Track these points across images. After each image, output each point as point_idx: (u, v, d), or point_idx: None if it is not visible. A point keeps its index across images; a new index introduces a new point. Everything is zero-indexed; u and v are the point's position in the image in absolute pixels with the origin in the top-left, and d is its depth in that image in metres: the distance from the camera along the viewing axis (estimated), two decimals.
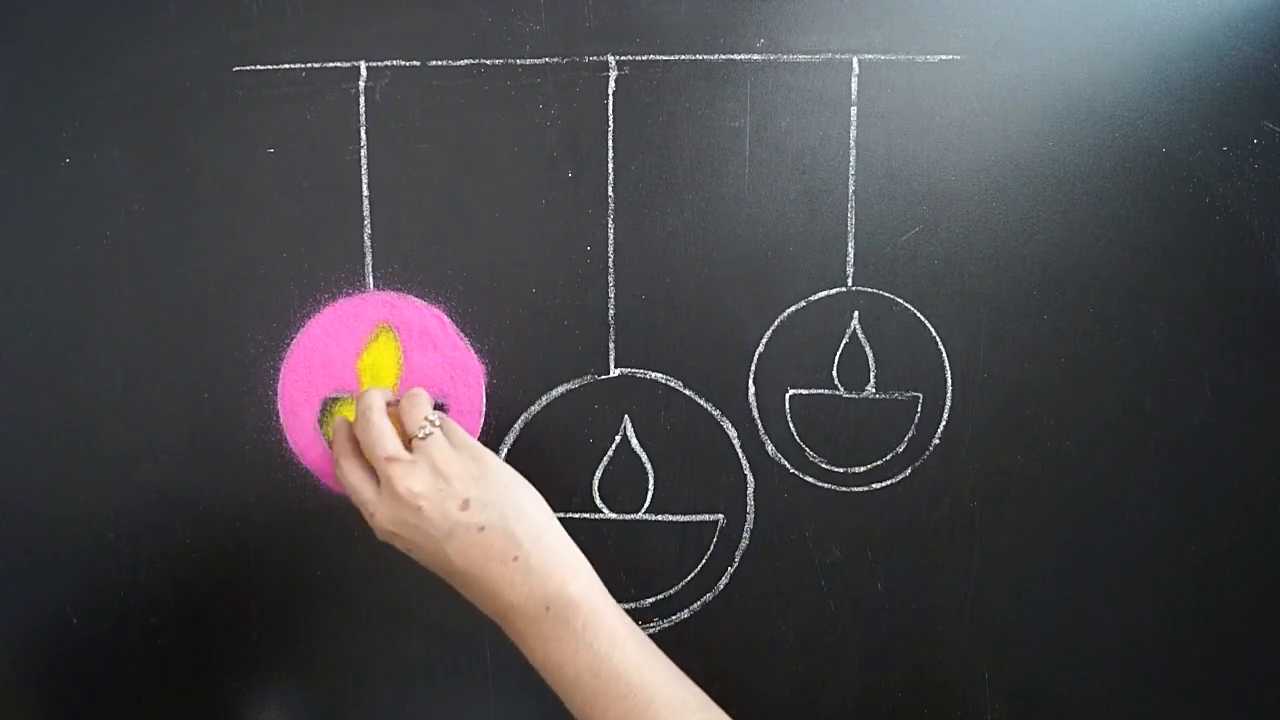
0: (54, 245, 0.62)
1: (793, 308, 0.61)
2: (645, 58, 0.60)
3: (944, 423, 0.61)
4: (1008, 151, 0.59)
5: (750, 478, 0.62)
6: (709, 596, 0.63)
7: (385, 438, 0.53)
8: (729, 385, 0.61)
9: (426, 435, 0.53)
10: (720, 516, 0.62)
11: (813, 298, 0.61)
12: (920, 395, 0.61)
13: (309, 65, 0.60)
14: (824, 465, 0.62)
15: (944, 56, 0.59)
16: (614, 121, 0.60)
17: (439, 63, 0.60)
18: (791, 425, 0.61)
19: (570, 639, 0.48)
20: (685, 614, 0.63)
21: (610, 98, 0.60)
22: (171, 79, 0.61)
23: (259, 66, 0.60)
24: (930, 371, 0.61)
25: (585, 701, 0.47)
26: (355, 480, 0.54)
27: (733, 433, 0.62)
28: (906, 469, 0.61)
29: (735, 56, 0.59)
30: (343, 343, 0.62)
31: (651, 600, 0.63)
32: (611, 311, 0.61)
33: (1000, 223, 0.60)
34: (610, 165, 0.60)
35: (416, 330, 0.62)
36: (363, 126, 0.61)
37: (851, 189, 0.60)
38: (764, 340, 0.61)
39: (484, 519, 0.50)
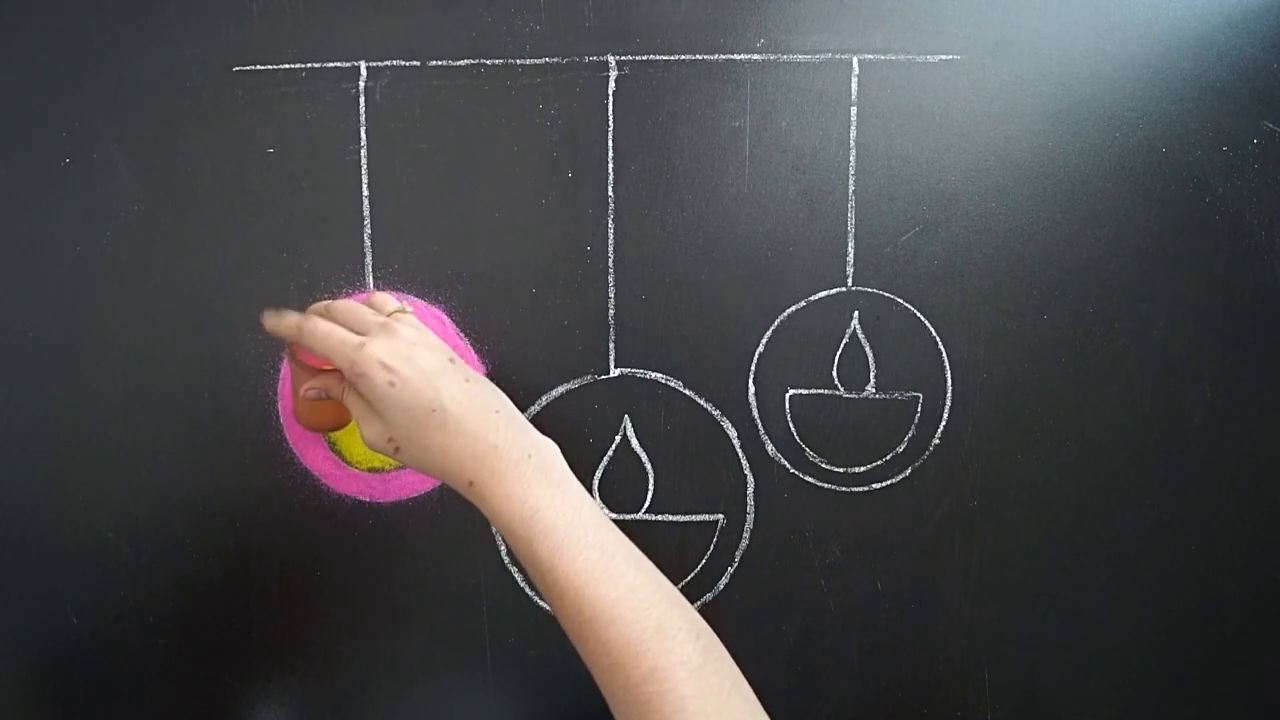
0: (54, 245, 0.62)
1: (793, 308, 0.61)
2: (645, 58, 0.60)
3: (944, 423, 0.61)
4: (1008, 151, 0.59)
5: (750, 478, 0.62)
6: (709, 596, 0.63)
7: (379, 305, 0.53)
8: (729, 385, 0.61)
9: (407, 313, 0.54)
10: (720, 516, 0.62)
11: (813, 298, 0.61)
12: (920, 395, 0.61)
13: (309, 65, 0.60)
14: (824, 465, 0.62)
15: (944, 56, 0.59)
16: (614, 121, 0.60)
17: (439, 63, 0.60)
18: (791, 425, 0.61)
19: (549, 486, 0.50)
20: None
21: (610, 98, 0.60)
22: (171, 79, 0.61)
23: (259, 66, 0.60)
24: (930, 371, 0.61)
25: (557, 548, 0.48)
26: (336, 331, 0.51)
27: (733, 433, 0.62)
28: (906, 469, 0.61)
29: (735, 56, 0.59)
30: None
31: None
32: (611, 311, 0.61)
33: (1000, 223, 0.60)
34: (610, 165, 0.60)
35: None
36: (363, 126, 0.61)
37: (851, 189, 0.60)
38: (764, 340, 0.61)
39: (469, 374, 0.52)
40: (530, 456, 0.50)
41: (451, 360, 0.52)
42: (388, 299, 0.55)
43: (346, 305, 0.53)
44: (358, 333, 0.51)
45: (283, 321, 0.52)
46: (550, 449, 0.52)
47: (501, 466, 0.50)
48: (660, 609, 0.47)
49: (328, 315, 0.53)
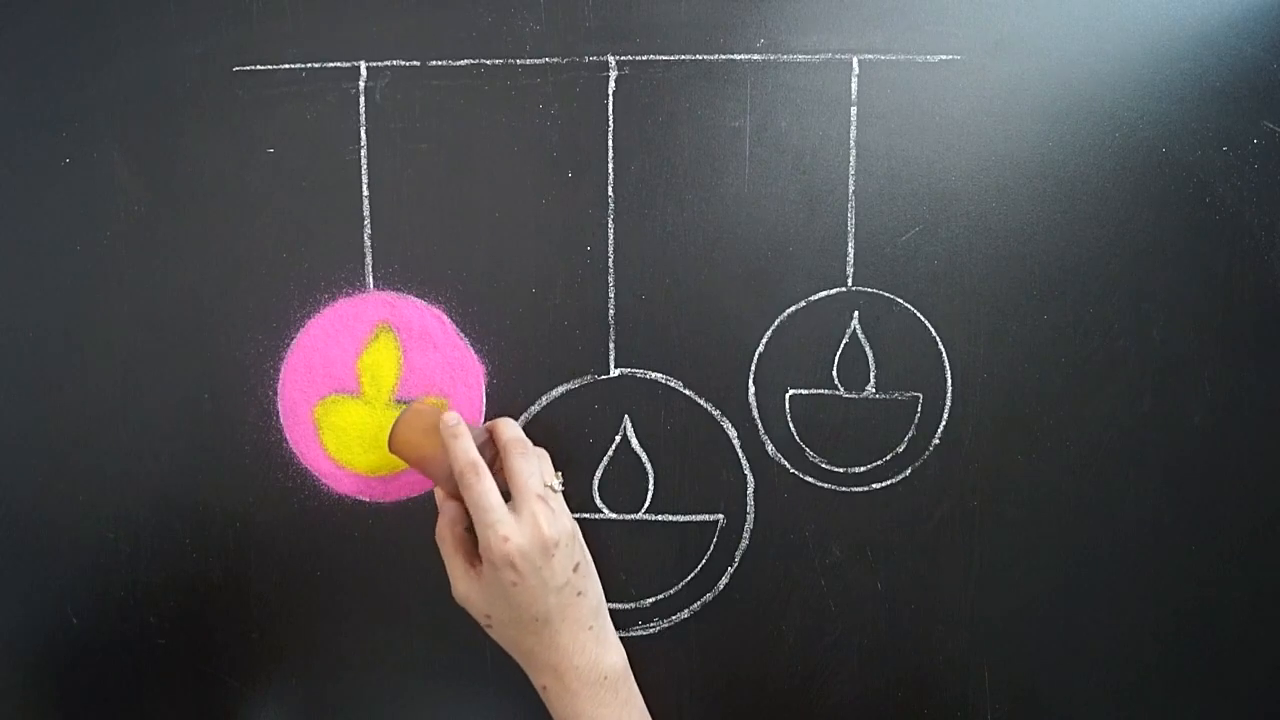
0: (54, 245, 0.62)
1: (793, 308, 0.61)
2: (645, 58, 0.60)
3: (944, 423, 0.61)
4: (1008, 151, 0.59)
5: (750, 478, 0.62)
6: (709, 596, 0.63)
7: (539, 476, 0.54)
8: (729, 385, 0.61)
9: (559, 490, 0.56)
10: (720, 516, 0.62)
11: (813, 298, 0.61)
12: (920, 395, 0.61)
13: (309, 65, 0.60)
14: (824, 465, 0.62)
15: (944, 56, 0.59)
16: (614, 121, 0.60)
17: (439, 63, 0.60)
18: (791, 425, 0.61)
19: (618, 705, 0.55)
20: (685, 614, 0.63)
21: (610, 98, 0.60)
22: (171, 79, 0.61)
23: (259, 66, 0.60)
24: (930, 371, 0.61)
25: None
26: (495, 500, 0.53)
27: (733, 433, 0.62)
28: (906, 469, 0.61)
29: (735, 56, 0.59)
30: (343, 343, 0.62)
31: (651, 600, 0.63)
32: (611, 311, 0.61)
33: (1000, 223, 0.60)
34: (610, 165, 0.60)
35: (416, 330, 0.62)
36: (363, 126, 0.61)
37: (851, 189, 0.60)
38: (764, 340, 0.61)
39: (584, 586, 0.55)
40: (605, 679, 0.55)
41: (576, 568, 0.54)
42: (545, 456, 0.57)
43: (525, 453, 0.54)
44: (506, 486, 0.54)
45: (457, 443, 0.54)
46: (622, 663, 0.56)
47: (577, 685, 0.54)
48: None
49: (509, 457, 0.54)
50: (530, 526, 0.52)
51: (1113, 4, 0.59)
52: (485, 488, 0.52)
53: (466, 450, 0.53)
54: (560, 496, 0.56)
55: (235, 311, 0.62)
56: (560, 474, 0.57)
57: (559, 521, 0.53)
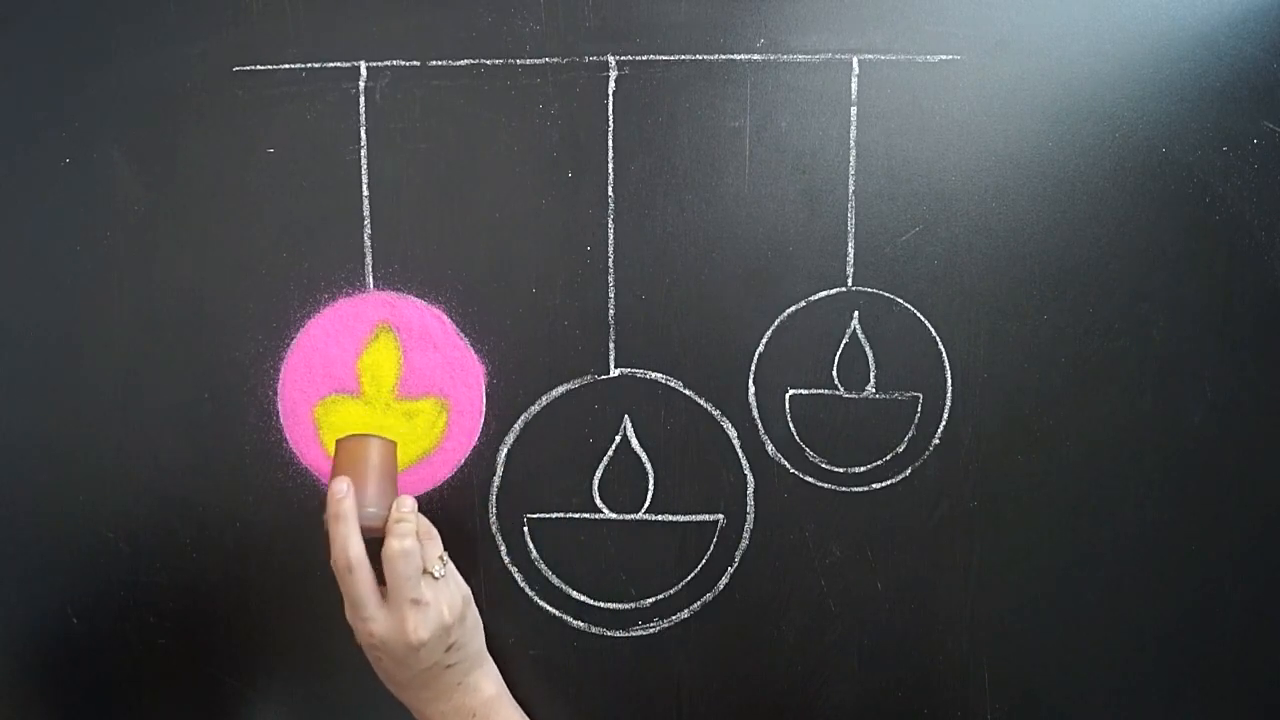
0: (54, 245, 0.62)
1: (793, 308, 0.61)
2: (645, 58, 0.60)
3: (944, 423, 0.61)
4: (1008, 151, 0.59)
5: (750, 478, 0.62)
6: (709, 596, 0.63)
7: (416, 578, 0.54)
8: (729, 385, 0.61)
9: (441, 576, 0.56)
10: (720, 516, 0.62)
11: (813, 298, 0.61)
12: (920, 395, 0.61)
13: (309, 65, 0.60)
14: (824, 465, 0.62)
15: (944, 56, 0.59)
16: (614, 121, 0.60)
17: (439, 63, 0.60)
18: (791, 425, 0.61)
19: None
20: (685, 614, 0.63)
21: (610, 98, 0.60)
22: (171, 79, 0.61)
23: (259, 66, 0.60)
24: (930, 371, 0.61)
25: None
26: (365, 592, 0.54)
27: (733, 433, 0.62)
28: (906, 469, 0.61)
29: (735, 56, 0.59)
30: (343, 343, 0.62)
31: (651, 600, 0.63)
32: (611, 311, 0.61)
33: (1000, 223, 0.60)
34: (610, 165, 0.60)
35: (416, 330, 0.62)
36: (363, 126, 0.61)
37: (851, 189, 0.60)
38: (764, 340, 0.61)
39: (455, 659, 0.57)
40: (474, 716, 0.58)
41: (450, 648, 0.56)
42: (433, 539, 0.57)
43: (406, 558, 0.54)
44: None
45: (337, 529, 0.54)
46: (491, 694, 0.59)
47: None
48: None
49: (390, 553, 0.54)
50: (398, 626, 0.54)
51: (1113, 4, 0.59)
52: (358, 578, 0.53)
53: (345, 542, 0.53)
54: (449, 571, 0.56)
55: (235, 311, 0.62)
56: (444, 556, 0.56)
57: (429, 620, 0.54)
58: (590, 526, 0.62)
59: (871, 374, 0.61)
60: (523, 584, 0.63)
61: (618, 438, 0.62)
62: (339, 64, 0.60)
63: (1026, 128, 0.59)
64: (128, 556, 0.63)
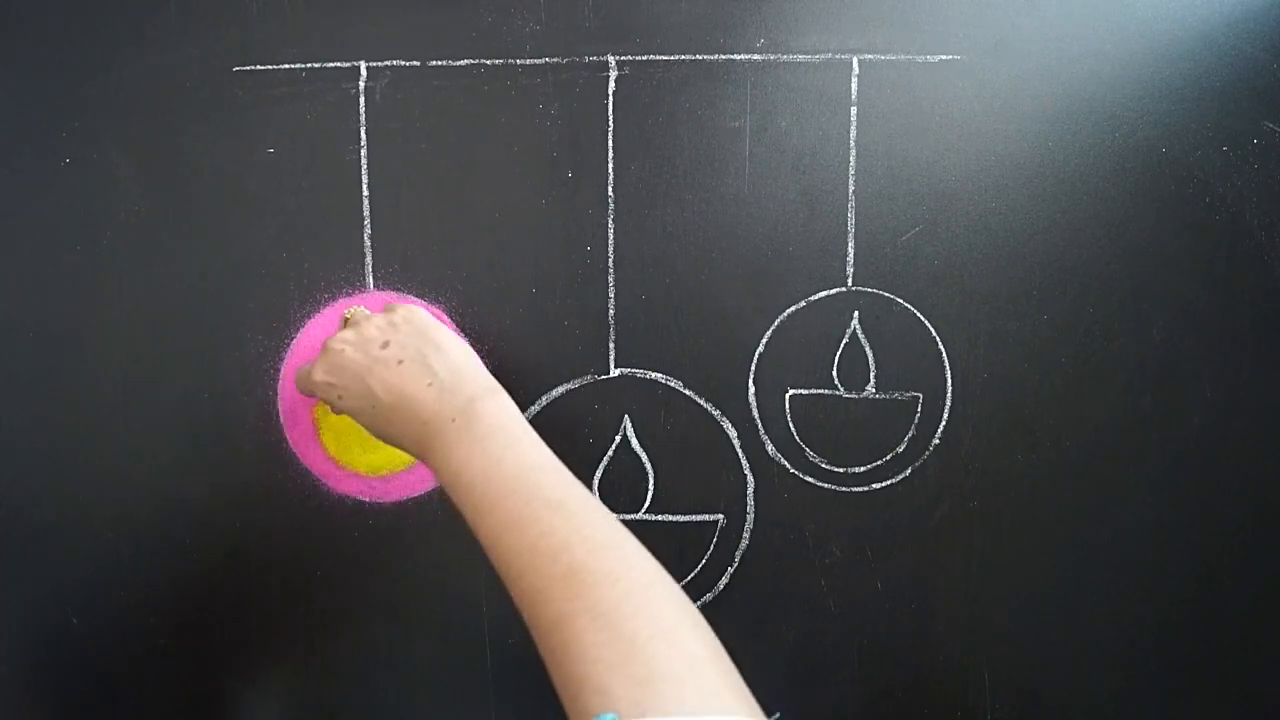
0: (54, 245, 0.62)
1: (793, 308, 0.61)
2: (645, 58, 0.60)
3: (944, 423, 0.61)
4: (1008, 151, 0.59)
5: (750, 478, 0.62)
6: (709, 597, 0.63)
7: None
8: (729, 385, 0.61)
9: (350, 314, 0.59)
10: (720, 516, 0.62)
11: (813, 298, 0.61)
12: (920, 395, 0.61)
13: (309, 65, 0.60)
14: (824, 465, 0.62)
15: (944, 56, 0.59)
16: (614, 121, 0.60)
17: (439, 63, 0.60)
18: (791, 425, 0.61)
19: (469, 444, 0.49)
20: None
21: (610, 98, 0.60)
22: (171, 79, 0.61)
23: (259, 66, 0.60)
24: (930, 371, 0.61)
25: (477, 507, 0.47)
26: (299, 372, 0.57)
27: (733, 433, 0.62)
28: (906, 469, 0.61)
29: (735, 56, 0.59)
30: None
31: None
32: (611, 311, 0.61)
33: (1000, 223, 0.60)
34: (610, 165, 0.60)
35: None
36: (363, 126, 0.61)
37: (851, 189, 0.60)
38: (764, 340, 0.61)
39: (402, 354, 0.53)
40: (454, 420, 0.50)
41: (385, 345, 0.53)
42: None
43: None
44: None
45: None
46: (483, 403, 0.51)
47: (432, 441, 0.50)
48: (577, 553, 0.43)
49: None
50: (320, 353, 0.55)
51: (1113, 4, 0.59)
52: (296, 375, 0.58)
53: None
54: (358, 311, 0.59)
55: (235, 311, 0.62)
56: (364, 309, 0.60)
57: (340, 332, 0.55)
58: None
59: (871, 374, 0.61)
60: None
61: (618, 438, 0.62)
62: (339, 64, 0.60)
63: (1026, 128, 0.59)
64: (128, 556, 0.63)
